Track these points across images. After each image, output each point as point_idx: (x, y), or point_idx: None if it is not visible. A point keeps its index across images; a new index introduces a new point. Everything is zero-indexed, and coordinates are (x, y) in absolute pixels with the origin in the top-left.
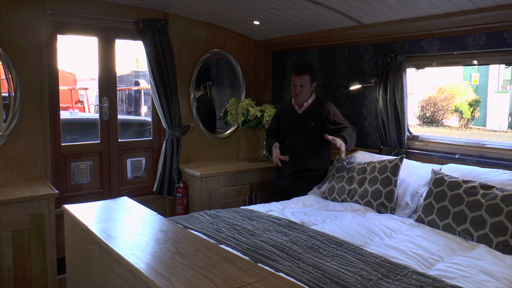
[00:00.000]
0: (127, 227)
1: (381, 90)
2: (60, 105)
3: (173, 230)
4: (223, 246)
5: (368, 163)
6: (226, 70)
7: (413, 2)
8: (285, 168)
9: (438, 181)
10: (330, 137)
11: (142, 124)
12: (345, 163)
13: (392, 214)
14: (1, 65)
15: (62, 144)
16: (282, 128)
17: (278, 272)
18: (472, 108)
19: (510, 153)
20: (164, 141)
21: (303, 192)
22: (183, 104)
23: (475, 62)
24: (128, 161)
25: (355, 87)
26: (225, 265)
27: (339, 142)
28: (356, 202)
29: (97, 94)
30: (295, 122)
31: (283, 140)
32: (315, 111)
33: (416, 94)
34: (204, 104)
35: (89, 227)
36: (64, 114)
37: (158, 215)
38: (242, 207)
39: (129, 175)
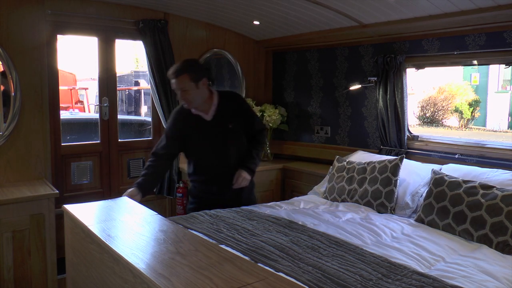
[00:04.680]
0: (127, 227)
1: (381, 90)
2: (60, 105)
3: (173, 230)
4: (223, 246)
5: (368, 163)
6: (226, 70)
7: (413, 2)
8: (214, 187)
9: (438, 181)
10: (237, 180)
11: (142, 124)
12: (345, 163)
13: (392, 214)
14: (1, 65)
15: (62, 144)
16: (190, 144)
17: (278, 272)
18: (472, 108)
19: (510, 153)
20: None
21: (249, 198)
22: None
23: (475, 62)
24: (128, 161)
25: (355, 87)
26: (225, 265)
27: (239, 181)
28: (356, 202)
29: (97, 94)
30: (208, 132)
31: (196, 159)
32: (228, 109)
33: (416, 94)
34: None
35: (89, 227)
36: (64, 114)
37: (158, 215)
38: (242, 207)
39: (129, 175)
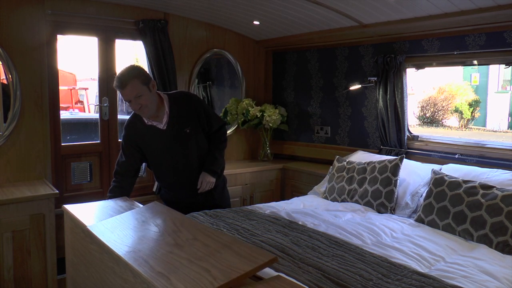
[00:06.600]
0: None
1: (381, 90)
2: (60, 105)
3: (171, 219)
4: None
5: (368, 163)
6: (226, 70)
7: (413, 2)
8: (182, 192)
9: (438, 181)
10: (201, 184)
11: None
12: (345, 163)
13: (392, 214)
14: (1, 65)
15: (62, 144)
16: (149, 155)
17: (278, 272)
18: (472, 108)
19: (510, 153)
20: None
21: (221, 199)
22: None
23: (475, 62)
24: None
25: (355, 87)
26: (223, 252)
27: (204, 186)
28: (356, 202)
29: (97, 94)
30: (165, 142)
31: (158, 169)
32: (181, 113)
33: (416, 94)
34: None
35: (89, 227)
36: (64, 114)
37: (156, 202)
38: (242, 207)
39: None
